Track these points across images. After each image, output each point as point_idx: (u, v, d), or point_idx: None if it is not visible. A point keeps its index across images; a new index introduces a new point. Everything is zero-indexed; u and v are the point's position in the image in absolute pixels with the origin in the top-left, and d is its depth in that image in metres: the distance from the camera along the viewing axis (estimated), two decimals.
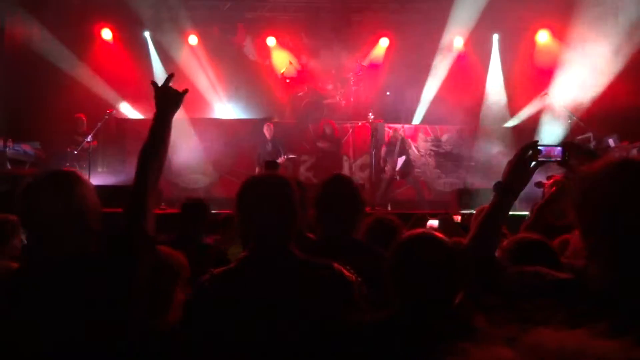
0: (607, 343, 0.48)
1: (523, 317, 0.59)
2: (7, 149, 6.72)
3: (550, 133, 7.83)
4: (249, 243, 1.59)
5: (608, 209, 0.96)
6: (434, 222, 3.47)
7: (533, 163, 1.43)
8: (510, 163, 1.44)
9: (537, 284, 0.96)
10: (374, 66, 9.74)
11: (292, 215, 1.56)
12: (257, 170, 7.74)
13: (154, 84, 1.63)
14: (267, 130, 8.06)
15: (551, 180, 4.12)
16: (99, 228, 1.43)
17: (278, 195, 1.55)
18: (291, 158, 8.19)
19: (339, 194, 2.06)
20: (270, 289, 1.47)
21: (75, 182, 1.43)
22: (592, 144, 6.95)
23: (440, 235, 1.40)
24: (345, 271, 1.55)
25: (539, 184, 4.35)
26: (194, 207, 3.15)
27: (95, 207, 1.43)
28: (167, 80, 1.64)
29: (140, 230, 1.41)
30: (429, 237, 1.39)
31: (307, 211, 2.03)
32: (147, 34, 9.27)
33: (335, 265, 1.55)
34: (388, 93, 9.42)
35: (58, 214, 1.37)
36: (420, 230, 1.50)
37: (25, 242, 2.58)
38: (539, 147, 1.43)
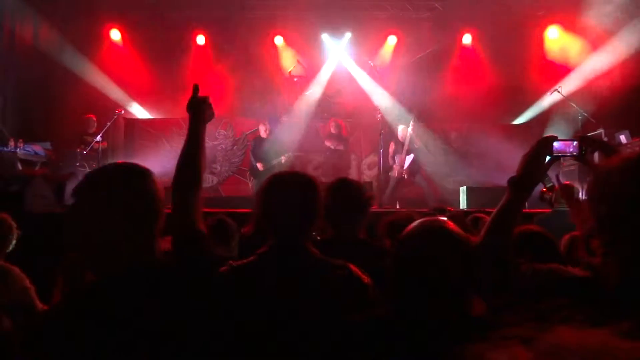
0: (631, 343, 0.46)
1: (540, 317, 0.56)
2: (18, 149, 6.78)
3: (561, 129, 7.75)
4: (267, 238, 1.61)
5: (625, 203, 0.93)
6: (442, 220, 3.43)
7: (548, 158, 1.40)
8: (525, 157, 1.40)
9: (552, 282, 0.93)
10: (382, 68, 9.70)
11: (314, 213, 1.58)
12: (259, 166, 7.78)
13: (195, 88, 1.67)
14: (263, 130, 8.10)
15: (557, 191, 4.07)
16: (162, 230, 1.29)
17: (302, 193, 1.58)
18: (297, 156, 8.20)
19: (345, 200, 2.17)
20: (287, 285, 1.49)
21: (145, 176, 1.28)
22: (604, 140, 6.85)
23: (450, 223, 1.32)
24: (360, 273, 1.56)
25: (542, 196, 4.29)
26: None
27: (163, 205, 1.29)
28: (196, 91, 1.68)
29: (198, 231, 1.37)
30: (437, 226, 1.30)
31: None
32: (155, 34, 9.31)
33: (352, 266, 1.56)
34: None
35: (129, 217, 1.19)
36: (428, 219, 1.43)
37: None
38: (555, 142, 1.40)
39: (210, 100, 1.68)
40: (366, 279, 1.55)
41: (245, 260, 1.58)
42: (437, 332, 1.11)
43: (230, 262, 1.59)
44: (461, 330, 0.95)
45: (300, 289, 1.48)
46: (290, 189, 1.59)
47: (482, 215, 3.11)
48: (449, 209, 3.61)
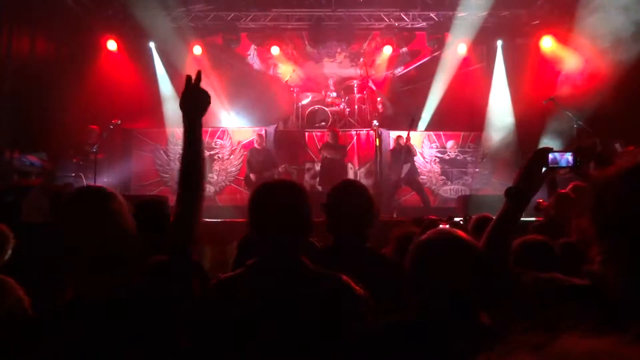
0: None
1: (547, 325, 0.56)
2: (14, 160, 6.75)
3: (556, 139, 7.79)
4: (258, 249, 1.56)
5: (623, 211, 0.94)
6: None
7: (544, 169, 1.42)
8: (521, 168, 1.42)
9: (553, 291, 0.93)
10: (377, 79, 9.76)
11: (302, 224, 1.53)
12: (251, 177, 7.79)
13: (188, 79, 1.50)
14: (258, 141, 8.12)
15: (552, 199, 4.10)
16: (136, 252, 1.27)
17: (292, 203, 1.51)
18: (294, 165, 8.24)
19: (352, 202, 1.97)
20: (276, 298, 1.45)
21: (111, 199, 1.26)
22: (599, 149, 6.90)
23: (462, 233, 1.34)
24: (353, 284, 1.51)
25: (537, 207, 4.31)
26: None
27: (133, 228, 1.27)
28: (198, 78, 1.51)
29: (187, 256, 1.30)
30: (451, 235, 1.33)
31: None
32: (151, 44, 9.35)
33: (344, 277, 1.51)
34: (380, 105, 9.32)
35: (103, 239, 1.17)
36: (441, 228, 1.44)
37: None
38: (550, 153, 1.42)
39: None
40: (359, 290, 1.49)
41: (232, 273, 1.54)
42: (455, 338, 1.10)
43: (219, 274, 1.55)
44: (475, 337, 0.95)
45: (286, 301, 1.43)
46: (277, 199, 1.52)
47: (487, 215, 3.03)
48: (431, 217, 3.59)
